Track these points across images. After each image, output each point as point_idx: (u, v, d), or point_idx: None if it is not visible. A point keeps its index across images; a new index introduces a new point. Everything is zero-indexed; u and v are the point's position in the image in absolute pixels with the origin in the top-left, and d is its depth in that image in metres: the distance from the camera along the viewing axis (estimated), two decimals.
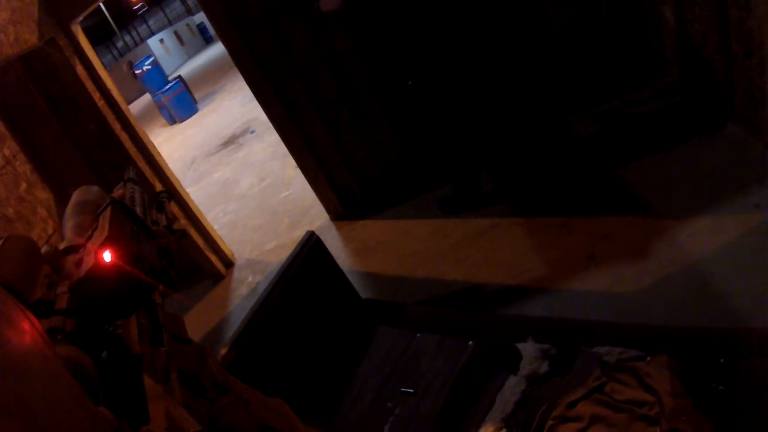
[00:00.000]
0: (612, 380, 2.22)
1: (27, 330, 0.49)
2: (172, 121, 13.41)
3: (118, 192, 0.87)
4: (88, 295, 0.65)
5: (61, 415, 0.45)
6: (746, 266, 2.59)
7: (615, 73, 4.26)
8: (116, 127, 4.21)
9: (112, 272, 0.65)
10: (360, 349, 2.77)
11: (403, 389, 2.49)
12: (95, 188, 0.90)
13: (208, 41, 33.76)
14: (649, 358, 2.27)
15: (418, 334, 2.72)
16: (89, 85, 3.99)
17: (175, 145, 11.33)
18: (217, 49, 25.39)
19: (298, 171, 4.87)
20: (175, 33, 31.46)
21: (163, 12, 41.19)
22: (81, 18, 4.01)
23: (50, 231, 3.15)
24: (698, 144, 3.55)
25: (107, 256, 0.65)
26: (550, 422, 2.16)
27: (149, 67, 17.45)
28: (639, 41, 4.21)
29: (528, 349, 2.43)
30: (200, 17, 34.17)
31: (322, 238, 2.81)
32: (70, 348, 0.59)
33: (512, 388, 2.34)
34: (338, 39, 4.02)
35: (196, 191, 7.33)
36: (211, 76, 18.51)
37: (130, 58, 24.53)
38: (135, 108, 18.38)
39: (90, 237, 0.71)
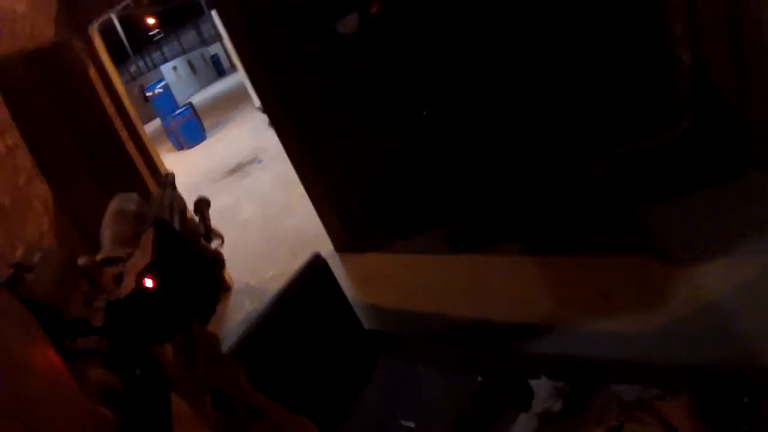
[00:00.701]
0: (631, 420, 2.10)
1: (27, 331, 0.49)
2: (180, 146, 13.41)
3: (157, 198, 0.86)
4: (125, 319, 0.63)
5: (61, 415, 0.45)
6: (766, 306, 2.49)
7: (631, 115, 4.22)
8: (123, 134, 4.13)
9: (151, 299, 0.64)
10: (360, 379, 2.64)
11: (403, 422, 2.36)
12: (135, 196, 0.88)
13: (220, 74, 34.22)
14: (669, 398, 2.15)
15: (421, 367, 2.60)
16: (100, 90, 3.92)
17: (180, 169, 11.29)
18: (229, 81, 25.74)
19: (304, 201, 4.78)
20: (189, 62, 31.86)
21: (179, 41, 41.88)
22: (99, 21, 3.98)
23: (45, 227, 3.05)
24: (716, 190, 3.49)
25: (149, 282, 0.64)
26: None
27: (161, 90, 17.56)
28: (656, 83, 4.18)
29: (541, 386, 2.31)
30: (214, 49, 34.76)
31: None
32: (103, 371, 0.58)
33: (523, 426, 2.21)
34: (356, 63, 3.98)
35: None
36: (222, 106, 18.63)
37: (141, 82, 24.78)
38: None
39: (131, 255, 0.70)
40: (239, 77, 13.87)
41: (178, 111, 13.68)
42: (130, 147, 4.14)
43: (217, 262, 0.96)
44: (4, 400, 0.41)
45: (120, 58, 28.25)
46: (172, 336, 0.71)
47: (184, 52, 37.66)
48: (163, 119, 14.84)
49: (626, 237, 3.44)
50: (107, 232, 0.80)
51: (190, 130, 13.31)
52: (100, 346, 0.61)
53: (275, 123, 4.50)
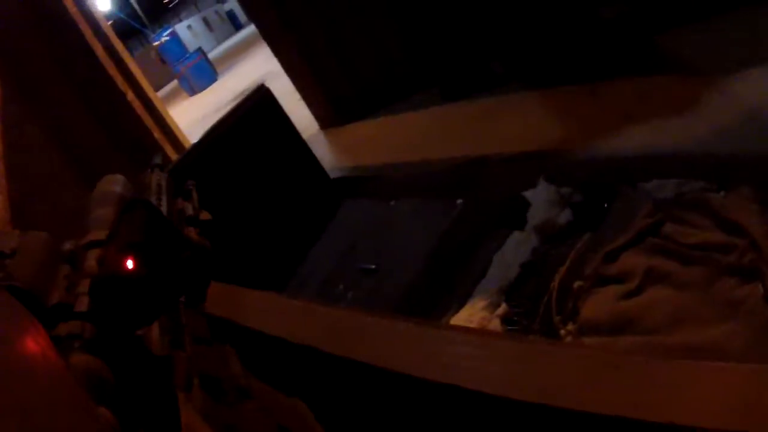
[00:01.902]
0: (671, 219, 1.44)
1: (29, 331, 0.44)
2: (192, 91, 12.95)
3: (144, 179, 0.85)
4: (107, 301, 0.60)
5: (60, 416, 0.42)
6: None
7: None
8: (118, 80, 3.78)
9: (133, 281, 0.61)
10: (320, 224, 2.08)
11: (362, 266, 1.76)
12: (121, 178, 0.80)
13: (237, 28, 33.42)
14: (723, 193, 1.49)
15: (392, 202, 1.99)
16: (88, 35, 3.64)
17: (190, 108, 10.87)
18: (245, 32, 25.13)
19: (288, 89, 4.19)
20: (204, 19, 31.08)
21: (195, 4, 41.22)
22: None
23: None
24: (748, 10, 2.71)
25: (130, 263, 0.60)
26: (577, 285, 1.39)
27: (167, 38, 17.08)
28: None
29: (540, 194, 1.67)
30: (230, 5, 33.98)
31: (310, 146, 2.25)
32: (87, 357, 0.55)
33: (516, 246, 1.58)
34: None
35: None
36: (236, 52, 18.15)
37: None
38: (162, 92, 18.25)
39: (114, 236, 0.64)
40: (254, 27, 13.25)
41: (186, 55, 13.20)
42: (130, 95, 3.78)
43: (204, 248, 0.84)
44: (6, 401, 0.38)
45: (137, 29, 27.83)
46: (156, 317, 0.67)
47: (198, 10, 36.98)
48: (173, 67, 14.38)
49: (644, 57, 2.73)
50: (91, 214, 0.73)
51: (201, 73, 12.88)
52: (83, 330, 0.57)
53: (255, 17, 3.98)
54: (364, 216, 2.01)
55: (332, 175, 2.73)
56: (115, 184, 0.84)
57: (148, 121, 3.99)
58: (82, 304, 0.61)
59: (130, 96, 3.91)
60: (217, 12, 33.52)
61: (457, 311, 1.51)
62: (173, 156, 3.86)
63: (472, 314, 1.47)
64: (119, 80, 3.92)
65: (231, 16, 34.22)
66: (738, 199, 1.44)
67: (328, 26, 3.95)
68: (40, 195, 3.08)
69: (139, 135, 3.86)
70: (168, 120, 4.29)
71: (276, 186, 2.13)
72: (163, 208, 0.84)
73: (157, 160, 1.07)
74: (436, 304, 1.56)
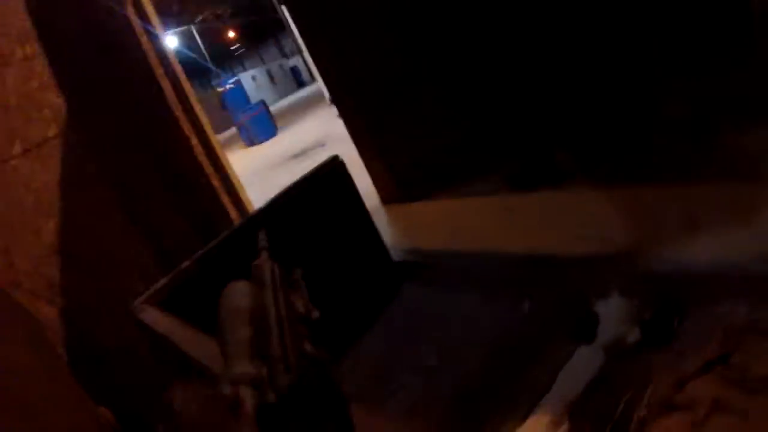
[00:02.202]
0: (742, 349, 1.43)
1: (29, 332, 0.61)
2: (251, 142, 13.35)
3: (258, 271, 0.88)
4: None
5: (61, 415, 0.48)
6: None
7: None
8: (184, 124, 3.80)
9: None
10: (376, 310, 2.10)
11: (423, 359, 1.78)
12: (244, 287, 0.84)
13: (300, 84, 34.61)
14: None
15: (455, 294, 2.02)
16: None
17: (246, 161, 11.20)
18: (308, 90, 25.92)
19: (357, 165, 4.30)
20: (268, 71, 32.37)
21: (259, 55, 42.97)
22: None
23: (50, 134, 2.87)
24: None
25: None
26: (643, 412, 1.39)
27: (232, 85, 17.68)
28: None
29: (610, 309, 1.67)
30: (294, 61, 35.28)
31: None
32: None
33: (584, 362, 1.59)
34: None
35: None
36: (297, 110, 18.73)
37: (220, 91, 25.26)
38: (220, 137, 18.90)
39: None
40: (318, 86, 13.59)
41: (249, 106, 13.66)
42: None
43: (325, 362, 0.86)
44: (6, 402, 0.44)
45: (203, 72, 29.13)
46: None
47: (263, 63, 38.52)
48: (234, 115, 14.87)
49: (712, 161, 2.70)
50: (229, 338, 0.75)
51: (261, 125, 13.21)
52: None
53: (334, 96, 4.17)
54: (426, 305, 2.04)
55: (392, 254, 2.78)
56: (241, 296, 0.86)
57: (208, 167, 3.98)
58: None
59: (194, 141, 3.85)
60: (281, 66, 34.87)
61: (518, 422, 1.52)
62: (227, 204, 3.91)
63: (535, 430, 1.47)
64: (185, 125, 3.87)
65: (294, 71, 35.51)
66: None
67: (393, 99, 4.02)
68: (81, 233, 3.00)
69: (196, 180, 3.82)
70: (228, 170, 4.19)
71: (338, 261, 2.15)
72: (281, 309, 0.83)
73: (263, 241, 1.06)
74: (496, 411, 1.56)
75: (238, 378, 0.69)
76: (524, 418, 1.50)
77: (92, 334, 2.57)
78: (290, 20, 9.33)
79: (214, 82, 34.01)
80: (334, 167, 2.17)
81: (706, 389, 1.35)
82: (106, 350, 2.58)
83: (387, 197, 4.10)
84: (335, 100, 4.33)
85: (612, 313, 1.63)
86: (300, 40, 7.78)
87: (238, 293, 0.85)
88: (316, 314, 1.04)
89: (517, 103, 3.55)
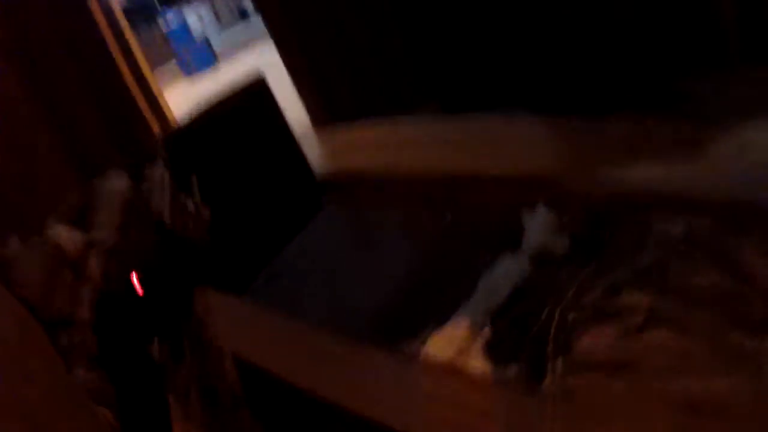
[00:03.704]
0: (678, 261, 1.34)
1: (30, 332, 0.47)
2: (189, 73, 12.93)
3: (149, 172, 0.94)
4: (111, 318, 0.69)
5: (61, 415, 0.45)
6: None
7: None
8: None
9: (137, 299, 0.71)
10: (297, 224, 1.95)
11: (339, 276, 1.64)
12: (125, 177, 0.96)
13: (242, 15, 33.55)
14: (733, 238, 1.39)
15: (376, 212, 1.88)
16: None
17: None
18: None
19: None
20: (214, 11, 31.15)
21: None
22: None
23: None
24: None
25: (135, 282, 0.70)
26: (573, 316, 1.28)
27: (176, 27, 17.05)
28: None
29: (537, 218, 1.56)
30: None
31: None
32: (91, 374, 0.62)
33: (507, 269, 1.47)
34: None
35: None
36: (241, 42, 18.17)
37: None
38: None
39: (121, 251, 0.73)
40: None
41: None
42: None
43: (202, 246, 0.97)
44: (6, 402, 0.40)
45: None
46: (157, 333, 0.75)
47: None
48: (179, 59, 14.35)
49: (661, 101, 2.64)
50: (97, 215, 0.85)
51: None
52: (85, 341, 0.58)
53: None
54: (347, 223, 1.89)
55: (318, 175, 2.62)
56: (120, 183, 0.93)
57: (140, 98, 3.92)
58: (84, 313, 0.69)
59: (123, 66, 3.83)
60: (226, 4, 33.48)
61: (436, 330, 1.39)
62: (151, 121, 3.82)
63: (453, 336, 1.35)
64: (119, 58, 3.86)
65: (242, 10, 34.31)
66: (750, 246, 1.34)
67: (332, 25, 3.86)
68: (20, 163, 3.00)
69: (128, 109, 3.78)
70: (161, 99, 4.19)
71: (260, 178, 2.03)
72: (167, 206, 0.90)
73: (162, 152, 1.14)
74: (416, 321, 1.44)
75: (89, 242, 0.71)
76: (442, 324, 1.38)
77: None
78: None
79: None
80: (256, 84, 2.01)
81: (642, 297, 1.26)
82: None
83: (319, 121, 3.92)
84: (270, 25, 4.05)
85: (539, 225, 1.52)
86: None
87: (117, 180, 0.95)
88: (206, 213, 1.08)
89: (458, 25, 3.39)
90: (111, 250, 0.68)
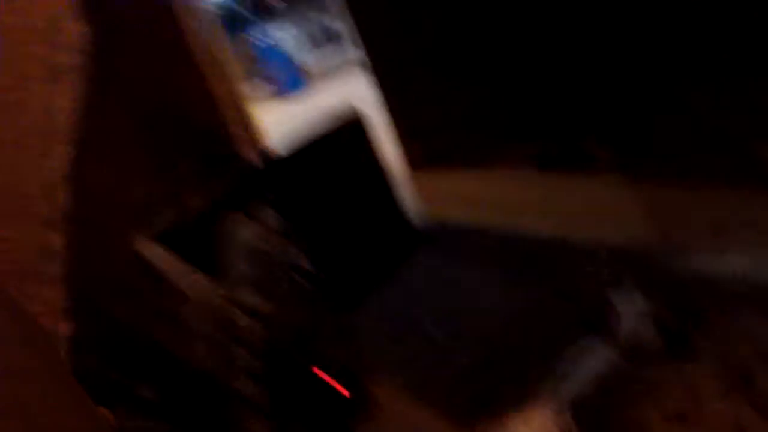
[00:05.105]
0: (766, 374, 1.35)
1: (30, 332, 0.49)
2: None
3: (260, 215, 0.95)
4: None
5: (61, 415, 0.46)
6: None
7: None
8: None
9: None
10: (389, 270, 2.05)
11: (429, 327, 1.73)
12: (251, 228, 0.89)
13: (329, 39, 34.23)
14: None
15: (471, 269, 1.96)
16: None
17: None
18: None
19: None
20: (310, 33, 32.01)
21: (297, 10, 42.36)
22: None
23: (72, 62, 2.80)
24: None
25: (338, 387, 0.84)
26: (654, 421, 1.32)
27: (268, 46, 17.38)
28: None
29: (628, 303, 1.59)
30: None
31: None
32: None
33: (597, 357, 1.52)
34: None
35: None
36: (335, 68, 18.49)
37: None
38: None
39: (276, 313, 0.74)
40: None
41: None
42: None
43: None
44: (6, 402, 0.41)
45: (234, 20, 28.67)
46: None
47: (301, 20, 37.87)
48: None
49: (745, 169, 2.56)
50: (241, 268, 0.81)
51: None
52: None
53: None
54: (437, 272, 1.97)
55: (412, 219, 2.70)
56: (245, 231, 0.96)
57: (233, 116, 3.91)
58: (245, 386, 0.69)
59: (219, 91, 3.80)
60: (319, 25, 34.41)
61: (516, 409, 1.46)
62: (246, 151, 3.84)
63: (531, 419, 1.41)
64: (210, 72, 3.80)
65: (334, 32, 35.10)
66: None
67: (428, 68, 3.91)
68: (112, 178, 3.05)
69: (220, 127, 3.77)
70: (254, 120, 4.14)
71: (354, 217, 2.10)
72: (277, 258, 0.94)
73: (267, 191, 1.19)
74: (498, 394, 1.51)
75: (242, 303, 0.79)
76: (522, 402, 1.44)
77: (95, 265, 2.56)
78: None
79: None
80: (356, 119, 2.09)
81: (726, 410, 1.28)
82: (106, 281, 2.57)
83: (413, 164, 4.00)
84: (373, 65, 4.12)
85: (630, 312, 1.55)
86: None
87: (254, 234, 0.98)
88: (305, 263, 1.08)
89: (551, 82, 3.41)
90: (268, 318, 0.74)
